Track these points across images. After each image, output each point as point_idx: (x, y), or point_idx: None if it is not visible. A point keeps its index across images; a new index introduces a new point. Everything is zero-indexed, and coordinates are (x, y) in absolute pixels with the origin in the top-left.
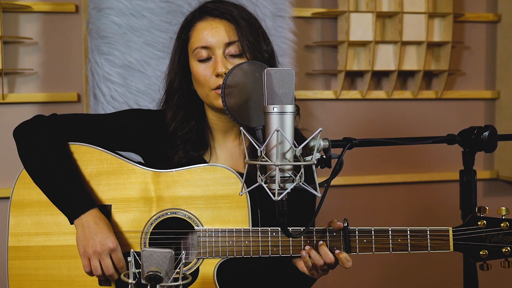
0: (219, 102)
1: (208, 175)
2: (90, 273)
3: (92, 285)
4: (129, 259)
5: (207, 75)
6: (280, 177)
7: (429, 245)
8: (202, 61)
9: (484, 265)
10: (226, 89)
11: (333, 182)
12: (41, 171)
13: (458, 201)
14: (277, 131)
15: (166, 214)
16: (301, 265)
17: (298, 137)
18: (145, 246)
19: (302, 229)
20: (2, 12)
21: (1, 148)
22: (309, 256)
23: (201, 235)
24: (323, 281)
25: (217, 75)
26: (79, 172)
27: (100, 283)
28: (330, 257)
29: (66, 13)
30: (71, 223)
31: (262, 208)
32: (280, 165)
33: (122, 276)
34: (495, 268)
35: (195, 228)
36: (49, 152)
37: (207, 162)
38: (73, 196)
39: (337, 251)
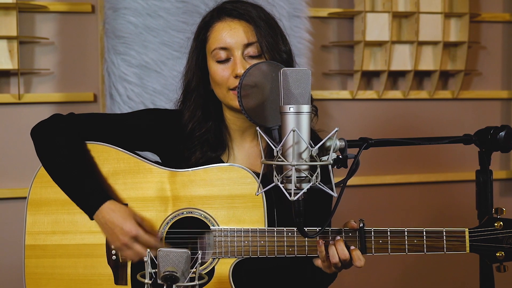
0: (236, 103)
1: (224, 174)
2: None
3: (108, 284)
4: (145, 259)
5: (225, 76)
6: (296, 177)
7: (445, 246)
8: (220, 62)
9: (501, 267)
10: (243, 90)
11: (349, 182)
12: (58, 170)
13: (475, 201)
14: (293, 131)
15: (182, 213)
16: (317, 261)
17: (314, 137)
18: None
19: (318, 229)
20: (18, 12)
21: (18, 148)
22: (326, 252)
23: (216, 234)
24: (339, 281)
25: (236, 76)
26: (96, 170)
27: (116, 282)
28: (345, 254)
29: (82, 13)
30: (91, 219)
31: (278, 208)
32: (296, 165)
33: (138, 276)
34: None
35: (210, 227)
36: (67, 151)
37: (224, 162)
38: (88, 193)
39: (352, 247)
